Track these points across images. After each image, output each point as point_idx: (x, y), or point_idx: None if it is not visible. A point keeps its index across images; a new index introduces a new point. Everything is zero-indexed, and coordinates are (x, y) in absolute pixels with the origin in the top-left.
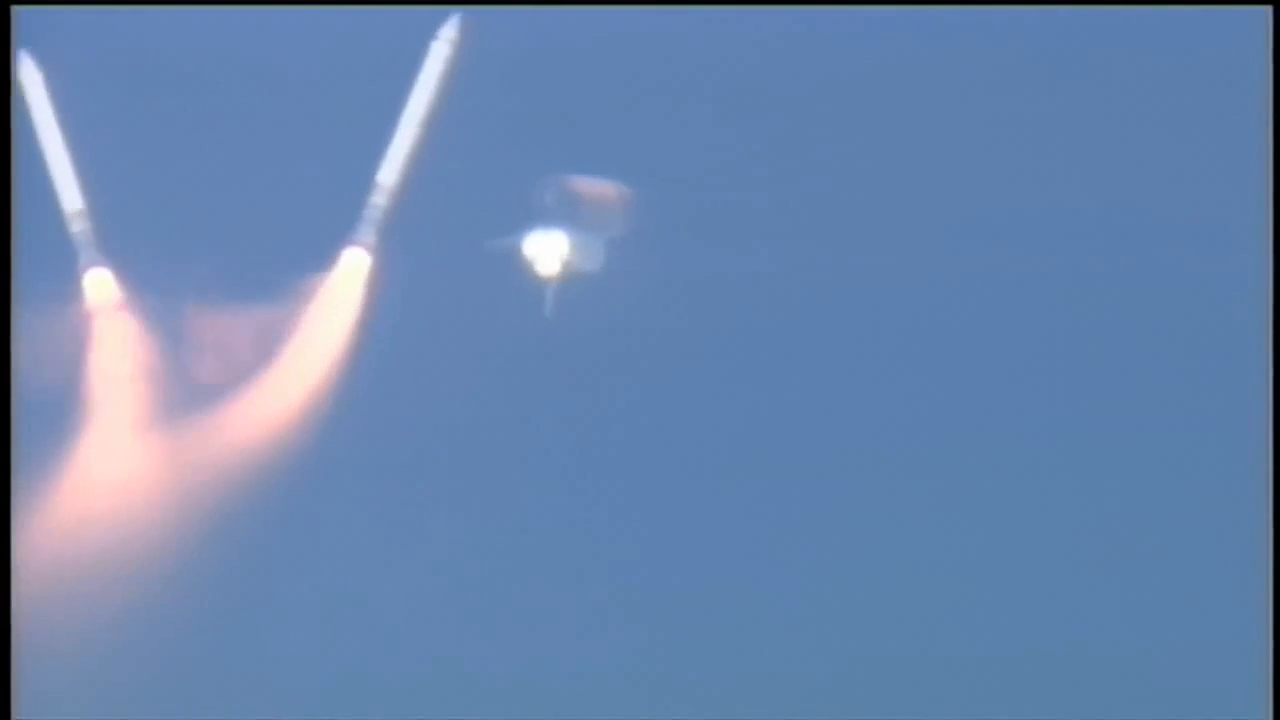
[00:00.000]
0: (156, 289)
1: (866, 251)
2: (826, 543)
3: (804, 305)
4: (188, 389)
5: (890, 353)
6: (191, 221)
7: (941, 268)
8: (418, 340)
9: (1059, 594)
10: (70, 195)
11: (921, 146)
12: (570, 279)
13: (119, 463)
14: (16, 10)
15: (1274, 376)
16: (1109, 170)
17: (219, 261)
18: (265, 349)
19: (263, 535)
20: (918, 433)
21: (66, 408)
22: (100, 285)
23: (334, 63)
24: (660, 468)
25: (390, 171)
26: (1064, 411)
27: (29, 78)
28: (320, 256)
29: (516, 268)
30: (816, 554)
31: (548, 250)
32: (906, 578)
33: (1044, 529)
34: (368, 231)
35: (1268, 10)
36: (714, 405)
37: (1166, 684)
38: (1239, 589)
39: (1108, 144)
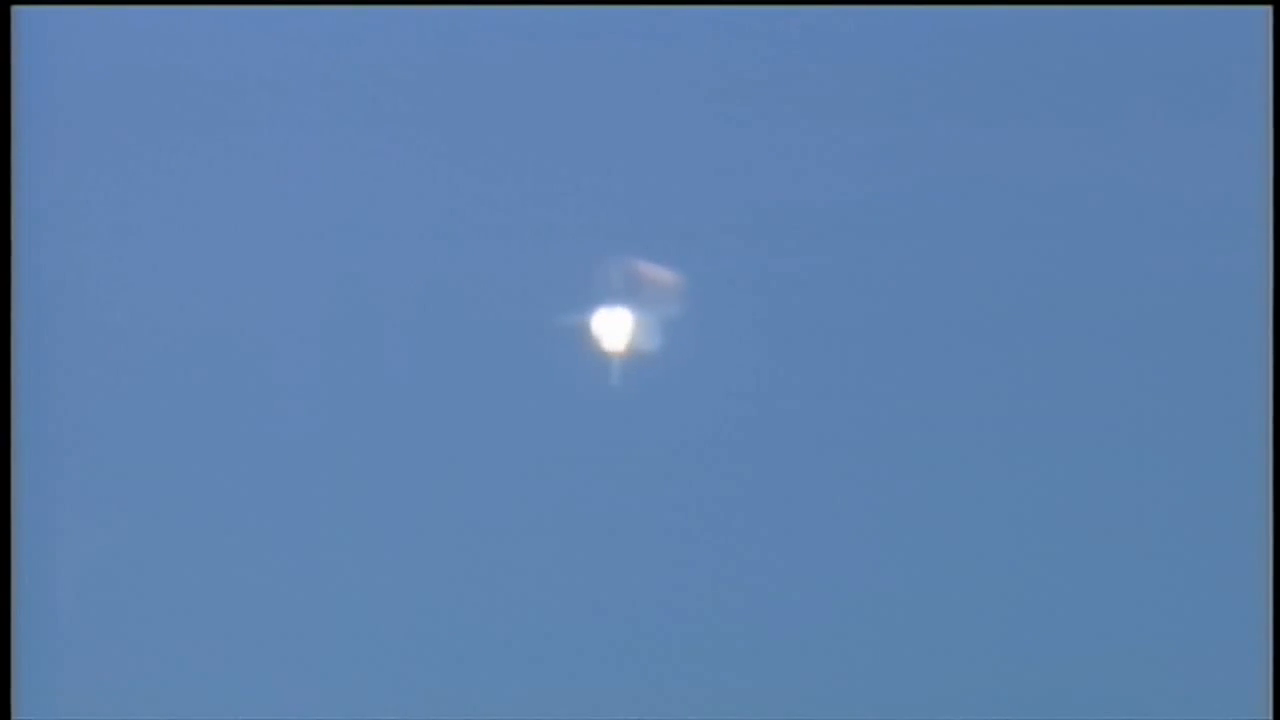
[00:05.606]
0: None
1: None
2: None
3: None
4: None
5: (888, 362)
6: None
7: (939, 268)
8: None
9: (1059, 592)
10: None
11: (918, 146)
12: (635, 356)
13: None
14: (16, 10)
15: (1274, 377)
16: (1106, 170)
17: None
18: None
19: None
20: (916, 432)
21: None
22: None
23: None
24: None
25: None
26: (1065, 411)
27: None
28: None
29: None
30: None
31: (614, 327)
32: (909, 571)
33: (1042, 528)
34: None
35: (1268, 10)
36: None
37: (1167, 684)
38: (1239, 589)
39: (1105, 144)
